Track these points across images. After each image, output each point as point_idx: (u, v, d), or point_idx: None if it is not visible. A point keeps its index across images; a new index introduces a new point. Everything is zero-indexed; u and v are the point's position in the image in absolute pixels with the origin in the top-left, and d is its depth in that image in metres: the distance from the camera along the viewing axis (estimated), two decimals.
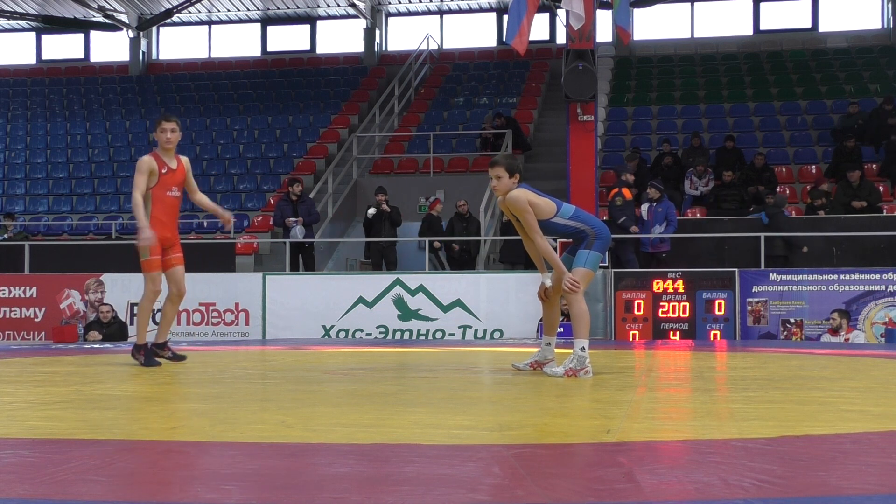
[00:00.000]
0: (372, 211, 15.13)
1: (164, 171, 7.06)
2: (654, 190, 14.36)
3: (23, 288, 14.43)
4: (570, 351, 6.20)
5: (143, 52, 26.05)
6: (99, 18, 24.46)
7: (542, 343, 6.66)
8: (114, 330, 12.90)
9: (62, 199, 20.49)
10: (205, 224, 18.36)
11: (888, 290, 12.40)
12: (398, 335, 13.30)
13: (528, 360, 6.62)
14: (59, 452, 3.17)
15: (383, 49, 25.28)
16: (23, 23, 26.04)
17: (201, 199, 7.52)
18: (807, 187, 16.49)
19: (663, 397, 5.09)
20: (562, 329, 12.42)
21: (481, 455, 3.14)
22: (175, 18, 24.88)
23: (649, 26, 23.99)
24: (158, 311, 7.71)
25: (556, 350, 6.66)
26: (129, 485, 2.65)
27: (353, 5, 24.29)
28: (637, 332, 12.80)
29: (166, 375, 6.43)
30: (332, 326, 13.51)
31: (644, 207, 14.34)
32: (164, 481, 2.69)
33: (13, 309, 14.40)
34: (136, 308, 14.01)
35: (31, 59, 27.10)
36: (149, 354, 7.02)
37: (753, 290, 12.73)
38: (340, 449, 3.29)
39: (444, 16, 25.51)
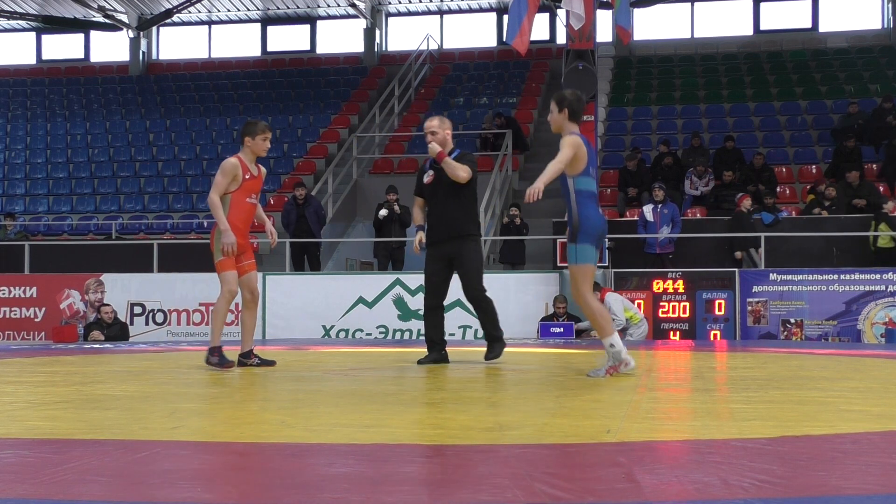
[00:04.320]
0: (384, 212, 15.01)
1: (247, 176, 6.86)
2: (660, 191, 14.38)
3: (23, 288, 14.43)
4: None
5: (143, 52, 26.05)
6: (99, 18, 24.46)
7: (605, 345, 5.97)
8: (116, 331, 12.88)
9: (62, 199, 20.49)
10: (205, 224, 18.36)
11: (888, 290, 12.40)
12: (398, 335, 13.29)
13: (604, 367, 5.95)
14: (59, 452, 3.17)
15: (383, 49, 25.28)
16: (23, 23, 26.05)
17: (260, 210, 7.24)
18: (806, 187, 16.50)
19: (663, 397, 5.09)
20: (561, 329, 12.48)
21: (481, 455, 3.14)
22: (175, 18, 24.88)
23: (649, 26, 24.00)
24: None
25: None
26: (129, 485, 2.65)
27: (353, 5, 24.29)
28: None
29: (166, 375, 6.43)
30: (332, 326, 13.50)
31: (648, 209, 14.36)
32: (164, 481, 2.69)
33: (13, 309, 14.41)
34: (135, 308, 14.09)
35: (31, 59, 27.11)
36: (223, 354, 6.84)
37: (753, 290, 12.73)
38: (340, 449, 3.29)
39: (444, 16, 25.52)
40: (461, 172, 7.19)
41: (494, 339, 7.36)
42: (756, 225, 14.33)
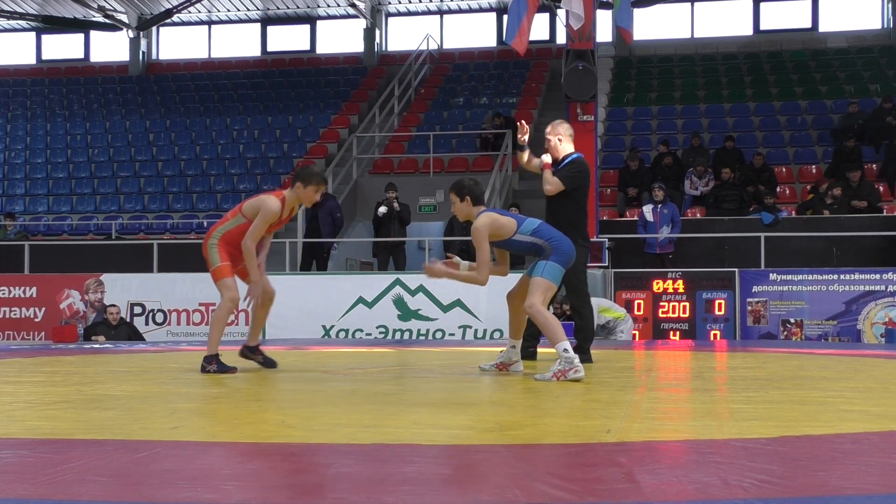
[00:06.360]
0: (383, 209, 14.97)
1: (282, 216, 6.67)
2: (659, 191, 14.39)
3: (23, 288, 14.42)
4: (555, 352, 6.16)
5: (143, 52, 26.05)
6: (99, 18, 24.46)
7: (507, 345, 6.60)
8: (122, 332, 12.80)
9: (62, 199, 20.49)
10: (205, 224, 18.36)
11: (888, 290, 12.40)
12: (398, 335, 13.29)
13: (494, 361, 6.58)
14: (59, 452, 3.17)
15: (383, 49, 25.28)
16: (23, 23, 26.04)
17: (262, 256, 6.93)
18: (806, 187, 16.50)
19: (663, 397, 5.09)
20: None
21: (481, 455, 3.14)
22: (175, 18, 24.88)
23: (649, 26, 23.99)
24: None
25: (541, 350, 6.64)
26: (129, 485, 2.65)
27: (353, 5, 24.29)
28: (637, 332, 12.79)
29: (166, 375, 6.43)
30: (332, 326, 13.49)
31: (648, 209, 14.36)
32: (164, 481, 2.69)
33: (13, 309, 14.40)
34: (135, 308, 14.09)
35: (31, 59, 27.10)
36: (220, 362, 6.49)
37: (753, 290, 12.73)
38: (340, 449, 3.29)
39: (444, 16, 25.51)
40: (547, 186, 7.26)
41: (581, 350, 7.20)
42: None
